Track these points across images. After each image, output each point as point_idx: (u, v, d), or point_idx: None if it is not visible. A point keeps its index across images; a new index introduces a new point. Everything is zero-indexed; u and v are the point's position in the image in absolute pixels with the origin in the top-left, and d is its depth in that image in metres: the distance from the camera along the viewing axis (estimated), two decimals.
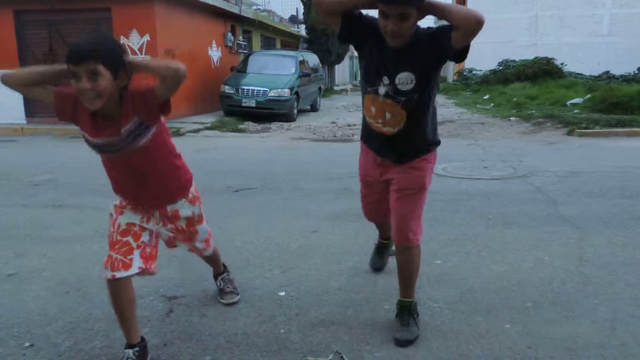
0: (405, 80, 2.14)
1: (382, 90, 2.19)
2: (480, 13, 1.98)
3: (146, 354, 2.13)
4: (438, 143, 2.41)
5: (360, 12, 2.21)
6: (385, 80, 2.17)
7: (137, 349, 2.08)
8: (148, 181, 2.10)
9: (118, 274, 2.02)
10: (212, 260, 2.69)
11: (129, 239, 2.10)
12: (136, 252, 2.08)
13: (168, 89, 1.86)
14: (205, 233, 2.44)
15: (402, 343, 2.25)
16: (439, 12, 2.05)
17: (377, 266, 3.10)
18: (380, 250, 3.10)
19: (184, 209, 2.25)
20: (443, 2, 2.10)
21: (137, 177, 2.08)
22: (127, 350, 2.08)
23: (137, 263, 2.06)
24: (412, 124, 2.22)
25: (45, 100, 2.01)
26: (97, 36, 1.91)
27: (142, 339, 2.14)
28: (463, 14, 1.98)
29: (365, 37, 2.20)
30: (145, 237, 2.15)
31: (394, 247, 2.66)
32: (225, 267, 2.80)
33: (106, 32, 2.44)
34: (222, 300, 2.68)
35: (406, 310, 2.36)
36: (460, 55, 2.11)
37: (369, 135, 2.41)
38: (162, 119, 2.05)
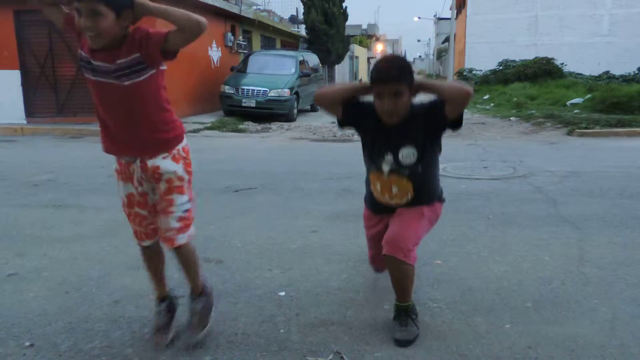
0: (407, 154, 2.27)
1: (386, 167, 2.32)
2: (467, 86, 2.15)
3: (175, 306, 2.39)
4: (442, 200, 2.52)
5: (358, 98, 2.35)
6: (388, 157, 2.30)
7: (166, 302, 2.35)
8: (133, 122, 2.03)
9: (144, 243, 2.23)
10: (188, 267, 2.28)
11: (137, 209, 2.18)
12: (153, 220, 2.20)
13: (185, 39, 1.86)
14: (184, 211, 2.15)
15: (402, 343, 2.25)
16: (429, 89, 2.21)
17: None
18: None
19: (164, 163, 2.09)
20: (432, 81, 2.27)
21: (123, 116, 2.03)
22: (160, 304, 2.33)
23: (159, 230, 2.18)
24: (418, 192, 2.34)
25: (55, 19, 2.01)
26: None
27: (171, 295, 2.38)
28: (452, 90, 2.13)
29: (364, 119, 2.33)
30: (150, 201, 2.19)
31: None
32: (204, 290, 2.37)
33: None
34: (182, 337, 2.28)
35: (403, 312, 2.36)
36: (457, 123, 2.23)
37: (376, 206, 2.51)
38: (163, 67, 2.03)
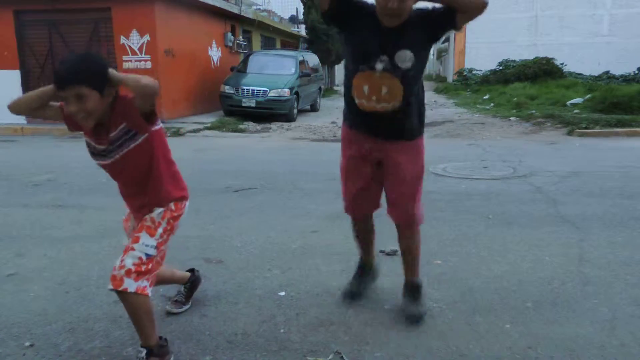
0: (404, 57, 2.16)
1: (379, 66, 2.17)
2: None
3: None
4: (424, 113, 2.43)
5: None
6: (384, 57, 2.17)
7: None
8: (139, 187, 2.09)
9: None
10: (134, 319, 2.03)
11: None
12: None
13: (143, 102, 1.90)
14: (145, 254, 1.99)
15: (416, 318, 2.35)
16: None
17: (351, 290, 2.69)
18: (361, 275, 2.77)
19: (154, 212, 2.10)
20: None
21: (129, 179, 2.11)
22: None
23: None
24: (407, 99, 2.23)
25: (55, 118, 2.05)
26: (78, 58, 1.88)
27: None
28: (470, 1, 2.06)
29: (355, 17, 2.21)
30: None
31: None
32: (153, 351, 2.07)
33: (88, 52, 2.44)
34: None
35: (416, 288, 2.47)
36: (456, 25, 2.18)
37: (357, 119, 2.36)
38: (160, 129, 2.07)
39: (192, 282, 2.66)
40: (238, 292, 2.80)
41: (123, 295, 1.96)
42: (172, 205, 2.12)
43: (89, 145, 2.07)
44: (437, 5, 2.16)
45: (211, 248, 3.50)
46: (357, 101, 2.28)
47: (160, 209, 2.09)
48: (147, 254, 2.01)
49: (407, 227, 2.49)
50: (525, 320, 2.46)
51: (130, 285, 1.94)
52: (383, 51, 2.16)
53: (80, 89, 1.79)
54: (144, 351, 2.05)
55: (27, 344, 2.29)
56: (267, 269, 3.15)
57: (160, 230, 2.06)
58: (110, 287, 1.96)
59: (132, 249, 2.00)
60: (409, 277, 2.58)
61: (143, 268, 1.98)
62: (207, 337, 2.33)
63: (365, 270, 2.77)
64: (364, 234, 2.70)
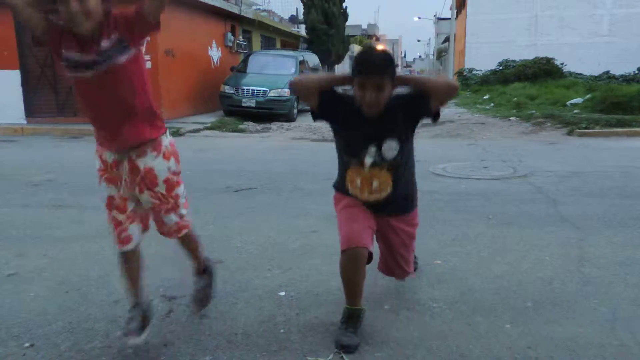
0: (390, 147, 2.27)
1: (368, 160, 2.29)
2: (453, 81, 2.23)
3: (149, 313, 2.34)
4: (416, 192, 2.55)
5: (334, 89, 2.33)
6: (372, 149, 2.27)
7: (141, 308, 2.30)
8: (121, 109, 2.04)
9: (123, 248, 2.22)
10: (194, 247, 2.48)
11: (115, 213, 2.19)
12: (131, 225, 2.20)
13: (158, 5, 1.90)
14: (184, 197, 2.28)
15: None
16: (414, 84, 2.26)
17: (351, 344, 2.22)
18: (350, 320, 2.32)
19: (157, 163, 2.13)
20: (416, 76, 2.31)
21: (107, 103, 2.03)
22: (134, 309, 2.27)
23: (135, 234, 2.23)
24: (397, 184, 2.35)
25: (36, 26, 2.00)
26: None
27: (146, 302, 2.34)
28: (441, 85, 2.19)
29: (341, 111, 2.30)
30: (130, 204, 2.19)
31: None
32: (206, 269, 2.56)
33: None
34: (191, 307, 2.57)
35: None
36: (437, 116, 2.28)
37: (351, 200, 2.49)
38: (142, 52, 2.07)
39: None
40: (238, 292, 2.80)
41: (186, 235, 2.33)
42: (168, 147, 2.17)
43: (68, 59, 1.97)
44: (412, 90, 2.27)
45: (211, 248, 3.49)
46: (350, 192, 2.41)
47: (160, 158, 2.12)
48: (184, 195, 2.27)
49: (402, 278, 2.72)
50: (525, 320, 2.46)
51: (190, 217, 2.34)
52: (370, 142, 2.28)
53: None
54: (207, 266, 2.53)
55: (27, 344, 2.29)
56: (267, 269, 3.15)
57: (180, 176, 2.25)
58: (184, 232, 2.31)
59: (179, 204, 2.23)
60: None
61: (187, 202, 2.30)
62: (207, 337, 2.33)
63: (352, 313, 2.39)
64: (355, 274, 2.34)
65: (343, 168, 2.42)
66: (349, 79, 2.23)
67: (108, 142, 2.11)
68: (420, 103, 2.23)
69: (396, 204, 2.42)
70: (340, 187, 2.50)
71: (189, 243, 2.43)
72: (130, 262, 2.26)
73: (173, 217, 2.24)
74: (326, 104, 2.30)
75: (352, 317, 2.31)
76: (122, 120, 2.05)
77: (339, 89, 2.34)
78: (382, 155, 2.27)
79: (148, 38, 2.12)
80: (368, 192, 2.34)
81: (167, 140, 2.19)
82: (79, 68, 1.97)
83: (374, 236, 2.46)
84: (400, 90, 2.27)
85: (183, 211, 2.27)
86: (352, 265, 2.28)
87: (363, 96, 2.16)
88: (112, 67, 1.95)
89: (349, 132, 2.32)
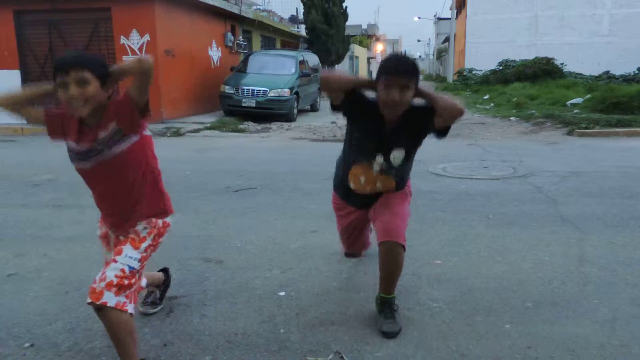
0: (398, 156, 2.36)
1: (376, 166, 2.39)
2: (461, 105, 2.20)
3: None
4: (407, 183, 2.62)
5: (361, 92, 2.36)
6: (379, 158, 2.37)
7: None
8: (120, 199, 2.03)
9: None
10: (116, 341, 1.95)
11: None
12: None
13: (140, 84, 1.87)
14: (128, 266, 1.93)
15: (390, 335, 2.31)
16: (426, 97, 2.25)
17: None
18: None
19: (137, 226, 2.07)
20: (430, 91, 2.28)
21: (108, 191, 2.04)
22: None
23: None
24: (399, 185, 2.47)
25: (36, 120, 2.06)
26: (81, 51, 1.94)
27: None
28: (448, 105, 2.18)
29: (363, 114, 2.35)
30: None
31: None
32: None
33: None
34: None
35: (388, 305, 2.43)
36: (443, 132, 2.30)
37: (349, 196, 2.58)
38: (149, 137, 2.05)
39: (165, 284, 2.66)
40: (238, 292, 2.80)
41: (102, 311, 1.85)
42: (159, 222, 2.10)
43: (70, 150, 2.02)
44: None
45: (211, 248, 3.50)
46: (352, 186, 2.49)
47: (146, 225, 2.06)
48: (130, 267, 1.93)
49: (390, 248, 2.37)
50: (525, 320, 2.46)
51: (110, 299, 1.84)
52: (379, 150, 2.36)
53: (83, 73, 1.82)
54: None
55: (27, 344, 2.29)
56: (267, 269, 3.15)
57: (145, 244, 2.02)
58: (89, 300, 1.84)
59: (115, 261, 1.93)
60: (381, 292, 2.47)
61: (125, 282, 1.89)
62: (207, 337, 2.33)
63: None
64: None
65: (349, 162, 2.47)
66: (373, 83, 2.27)
67: (110, 223, 2.13)
68: (427, 118, 2.25)
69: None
70: (339, 184, 2.61)
71: (112, 333, 1.92)
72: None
73: (102, 271, 1.92)
74: (351, 101, 2.32)
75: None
76: (124, 209, 2.05)
77: (365, 93, 2.36)
78: (390, 163, 2.36)
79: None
80: (370, 189, 2.45)
81: (162, 218, 2.12)
82: (77, 159, 2.00)
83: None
84: (418, 102, 2.30)
85: (109, 273, 1.88)
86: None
87: (388, 94, 2.17)
88: (110, 158, 1.95)
89: (365, 135, 2.38)
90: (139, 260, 1.99)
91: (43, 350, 2.24)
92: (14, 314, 2.57)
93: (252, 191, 5.21)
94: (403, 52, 2.38)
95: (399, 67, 2.17)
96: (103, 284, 1.86)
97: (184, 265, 3.16)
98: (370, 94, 2.35)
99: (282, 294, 2.79)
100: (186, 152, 7.82)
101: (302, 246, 3.55)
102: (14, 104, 1.99)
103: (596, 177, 5.64)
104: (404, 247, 2.34)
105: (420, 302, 2.67)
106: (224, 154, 7.91)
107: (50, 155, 7.82)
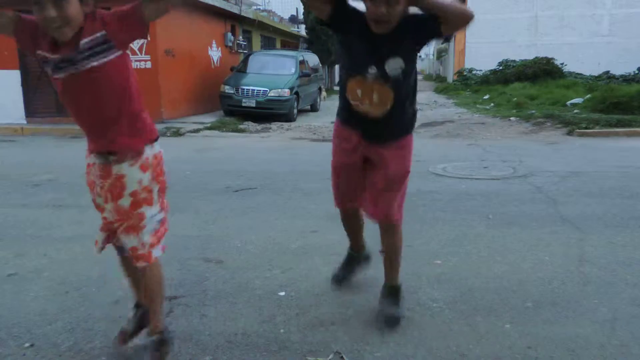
0: (394, 65, 2.19)
1: (370, 74, 2.22)
2: (470, 10, 2.05)
3: (147, 318, 2.17)
4: (415, 113, 2.47)
5: (346, 1, 2.24)
6: (373, 67, 2.20)
7: (141, 310, 2.20)
8: (97, 112, 1.87)
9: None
10: (153, 291, 2.03)
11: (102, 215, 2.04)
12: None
13: (160, 11, 1.77)
14: (157, 221, 1.97)
15: (394, 319, 2.34)
16: (429, 6, 2.07)
17: (339, 278, 2.87)
18: (349, 262, 2.91)
19: (130, 171, 1.91)
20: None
21: (86, 106, 1.87)
22: (136, 309, 2.21)
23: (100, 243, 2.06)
24: (397, 103, 2.26)
25: (4, 29, 1.85)
26: None
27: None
28: (458, 12, 2.04)
29: (349, 22, 2.23)
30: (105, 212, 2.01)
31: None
32: (161, 340, 2.06)
33: None
34: None
35: (395, 292, 2.46)
36: (447, 38, 2.19)
37: (350, 118, 2.40)
38: (128, 55, 1.89)
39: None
40: (238, 292, 2.80)
41: (149, 267, 1.96)
42: (150, 159, 1.94)
43: (45, 61, 1.82)
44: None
45: (211, 248, 3.50)
46: (352, 102, 2.33)
47: (136, 167, 1.90)
48: (158, 220, 1.99)
49: (385, 228, 2.48)
50: (525, 320, 2.46)
51: (157, 252, 1.98)
52: (372, 61, 2.21)
53: None
54: (155, 338, 2.04)
55: (27, 344, 2.29)
56: (267, 269, 3.15)
57: (155, 193, 1.97)
58: (142, 264, 1.95)
59: (143, 226, 1.93)
60: (387, 280, 2.58)
61: (159, 235, 1.99)
62: (207, 337, 2.33)
63: (354, 258, 2.90)
64: (354, 227, 2.81)
65: (345, 79, 2.33)
66: None
67: (91, 144, 1.97)
68: (430, 26, 2.12)
69: (392, 129, 2.35)
70: (340, 110, 2.48)
71: (152, 284, 2.01)
72: (128, 265, 2.13)
73: (131, 240, 1.94)
74: (338, 14, 2.22)
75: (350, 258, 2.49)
76: (102, 125, 1.89)
77: (351, 2, 2.24)
78: (385, 72, 2.20)
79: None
80: (369, 104, 2.27)
81: (151, 150, 1.96)
82: (54, 68, 1.83)
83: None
84: (413, 10, 2.17)
85: (146, 238, 1.94)
86: (345, 220, 2.74)
87: (375, 8, 2.06)
88: (91, 68, 1.78)
89: (355, 46, 2.25)
90: (160, 210, 2.01)
91: (43, 350, 2.24)
92: (14, 314, 2.57)
93: (252, 191, 5.21)
94: None
95: None
96: (145, 248, 1.93)
97: (184, 265, 3.16)
98: (358, 4, 2.22)
99: (282, 294, 2.79)
100: (186, 152, 7.81)
101: (302, 246, 3.55)
102: None
103: (596, 177, 5.64)
104: (398, 225, 2.42)
105: (420, 302, 2.67)
106: (224, 154, 7.91)
107: (50, 155, 7.83)
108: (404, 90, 2.28)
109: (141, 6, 1.75)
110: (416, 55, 2.29)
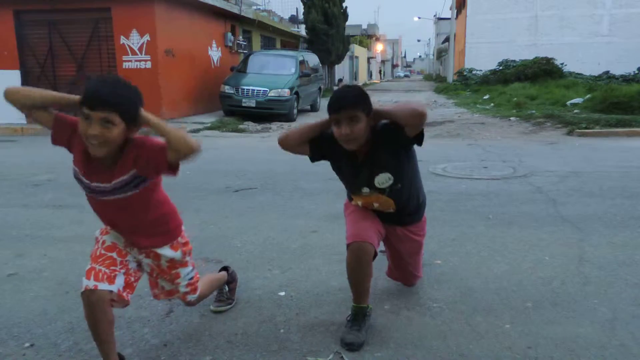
0: (383, 180, 2.33)
1: (365, 192, 2.40)
2: (420, 107, 2.16)
3: None
4: (424, 200, 2.60)
5: (320, 134, 2.36)
6: (365, 188, 2.38)
7: None
8: (131, 225, 2.00)
9: (101, 285, 1.87)
10: (212, 289, 2.51)
11: (114, 255, 1.98)
12: (121, 272, 1.96)
13: (178, 158, 1.77)
14: (189, 279, 2.21)
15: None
16: (385, 116, 2.24)
17: (355, 342, 2.24)
18: (355, 318, 2.34)
19: (164, 251, 2.08)
20: (385, 107, 2.25)
21: (121, 220, 1.99)
22: None
23: (120, 281, 1.94)
24: (400, 205, 2.42)
25: (43, 123, 1.92)
26: (119, 83, 1.76)
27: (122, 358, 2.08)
28: (407, 114, 2.16)
29: (332, 153, 2.37)
30: (130, 263, 2.04)
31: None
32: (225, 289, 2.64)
33: (128, 81, 1.86)
34: (211, 307, 2.58)
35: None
36: (420, 139, 2.27)
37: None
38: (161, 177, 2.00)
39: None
40: (238, 292, 2.79)
41: (199, 293, 2.30)
42: (179, 240, 2.13)
43: (80, 180, 1.91)
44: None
45: (211, 248, 3.50)
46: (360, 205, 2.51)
47: (177, 253, 2.11)
48: (190, 277, 2.22)
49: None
50: (525, 320, 2.46)
51: (193, 297, 2.27)
52: (363, 182, 2.36)
53: (112, 115, 1.68)
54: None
55: (27, 344, 2.29)
56: (267, 269, 3.15)
57: (189, 262, 2.20)
58: (192, 298, 2.27)
59: (178, 283, 2.18)
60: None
61: (194, 286, 2.25)
62: (207, 337, 2.33)
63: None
64: (360, 269, 2.30)
65: (348, 196, 2.58)
66: (328, 122, 2.26)
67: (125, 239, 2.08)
68: (397, 134, 2.22)
69: (401, 218, 2.50)
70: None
71: (207, 292, 2.45)
72: (104, 307, 1.90)
73: (172, 287, 2.21)
74: (319, 149, 2.39)
75: (357, 315, 2.32)
76: (133, 231, 2.01)
77: (328, 132, 2.33)
78: (377, 188, 2.35)
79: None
80: (375, 208, 2.45)
81: (181, 235, 2.14)
82: (91, 191, 1.91)
83: (382, 242, 2.55)
84: (384, 123, 2.28)
85: (183, 289, 2.21)
86: (356, 259, 2.24)
87: (339, 130, 2.18)
88: (127, 197, 1.88)
89: (344, 169, 2.42)
90: (193, 269, 2.24)
91: (43, 350, 2.24)
92: (14, 314, 2.57)
93: (252, 191, 5.21)
94: (347, 83, 2.36)
95: (341, 103, 2.16)
96: (182, 295, 2.23)
97: None
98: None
99: (282, 294, 2.79)
100: None
101: (302, 246, 3.55)
102: (31, 106, 1.83)
103: (596, 177, 5.65)
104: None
105: (420, 302, 2.67)
106: (224, 154, 7.91)
107: (50, 155, 7.81)
108: (404, 194, 2.41)
109: (166, 150, 1.77)
110: (404, 158, 2.35)
